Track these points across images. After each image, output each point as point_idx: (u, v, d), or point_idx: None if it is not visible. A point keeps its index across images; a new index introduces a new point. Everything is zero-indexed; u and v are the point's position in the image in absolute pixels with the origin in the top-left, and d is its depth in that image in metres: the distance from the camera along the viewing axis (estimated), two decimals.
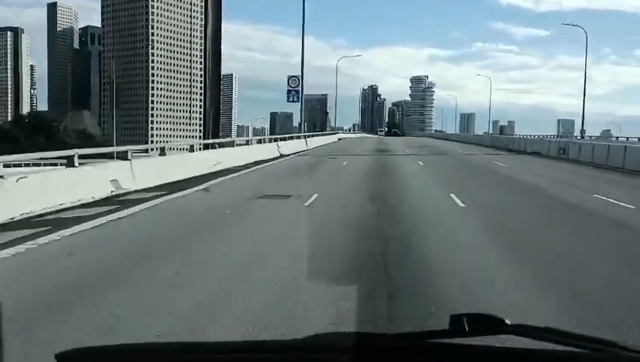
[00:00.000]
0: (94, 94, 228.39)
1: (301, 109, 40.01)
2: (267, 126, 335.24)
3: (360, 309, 4.77)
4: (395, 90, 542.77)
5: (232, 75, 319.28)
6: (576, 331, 1.24)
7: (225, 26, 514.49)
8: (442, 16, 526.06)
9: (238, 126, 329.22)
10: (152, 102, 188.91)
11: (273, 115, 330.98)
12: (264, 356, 1.28)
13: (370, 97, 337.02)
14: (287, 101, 39.59)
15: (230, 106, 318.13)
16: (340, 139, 63.86)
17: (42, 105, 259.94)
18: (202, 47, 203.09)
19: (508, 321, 1.20)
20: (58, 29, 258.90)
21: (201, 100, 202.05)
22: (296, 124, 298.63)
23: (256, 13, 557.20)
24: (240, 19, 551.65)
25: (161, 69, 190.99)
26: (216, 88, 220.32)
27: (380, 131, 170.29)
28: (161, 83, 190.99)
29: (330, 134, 63.93)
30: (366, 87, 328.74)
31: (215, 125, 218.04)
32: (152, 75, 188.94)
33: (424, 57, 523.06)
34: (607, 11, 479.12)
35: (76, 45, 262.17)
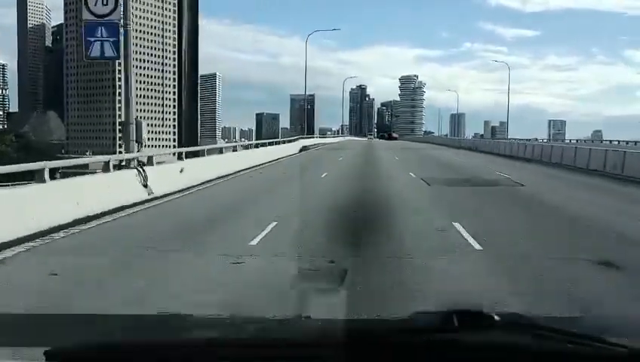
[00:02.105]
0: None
1: (125, 82, 14.38)
2: (254, 127, 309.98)
3: None
4: (383, 90, 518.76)
5: (215, 74, 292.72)
6: (562, 327, 1.24)
7: (211, 26, 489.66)
8: (431, 16, 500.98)
9: (223, 128, 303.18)
10: (120, 102, 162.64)
11: (259, 116, 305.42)
12: (257, 350, 1.24)
13: (359, 97, 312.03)
14: (87, 57, 14.87)
15: (214, 107, 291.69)
16: (303, 150, 38.65)
17: (14, 106, 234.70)
18: (176, 46, 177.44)
19: (497, 317, 1.19)
20: (29, 25, 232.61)
21: (175, 103, 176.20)
22: (284, 124, 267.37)
23: (243, 12, 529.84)
24: (227, 19, 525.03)
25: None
26: (192, 90, 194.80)
27: (370, 135, 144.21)
28: None
29: (286, 142, 38.87)
30: (354, 87, 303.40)
31: (193, 129, 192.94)
32: (119, 72, 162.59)
33: (413, 57, 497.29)
34: (595, 11, 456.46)
35: (49, 43, 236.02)
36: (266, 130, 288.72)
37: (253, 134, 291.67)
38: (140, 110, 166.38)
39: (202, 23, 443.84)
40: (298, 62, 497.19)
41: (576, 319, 3.31)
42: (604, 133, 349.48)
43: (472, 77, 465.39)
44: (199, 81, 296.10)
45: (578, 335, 1.21)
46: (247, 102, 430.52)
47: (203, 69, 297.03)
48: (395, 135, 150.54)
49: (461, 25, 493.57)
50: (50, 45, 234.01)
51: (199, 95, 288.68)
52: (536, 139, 73.78)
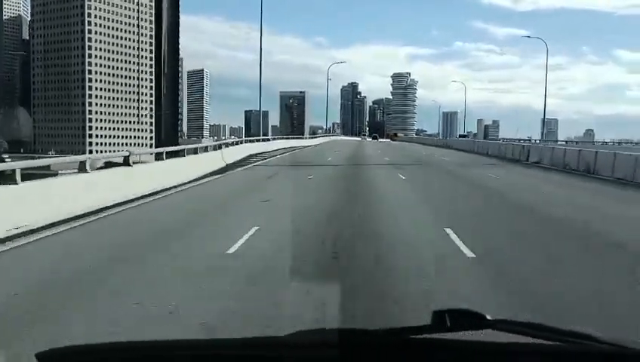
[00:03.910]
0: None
1: None
2: (243, 125, 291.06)
3: None
4: (375, 88, 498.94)
5: (202, 70, 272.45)
6: (553, 325, 1.20)
7: (201, 23, 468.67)
8: (422, 15, 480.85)
9: (210, 125, 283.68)
10: (90, 96, 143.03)
11: (248, 114, 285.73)
12: (251, 353, 1.20)
13: (351, 95, 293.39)
14: None
15: (201, 104, 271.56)
16: (237, 165, 19.92)
17: None
18: (152, 41, 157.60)
19: (489, 317, 1.16)
20: (4, 17, 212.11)
21: (152, 102, 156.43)
22: (274, 122, 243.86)
23: (234, 10, 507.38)
24: (217, 16, 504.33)
25: (100, 65, 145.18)
26: (172, 87, 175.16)
27: (364, 134, 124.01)
28: (100, 74, 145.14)
29: (226, 145, 20.29)
30: (346, 85, 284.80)
31: (172, 128, 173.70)
32: (89, 65, 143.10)
33: (405, 56, 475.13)
34: (585, 10, 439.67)
35: (26, 36, 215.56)
36: (255, 127, 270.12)
37: (242, 132, 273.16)
38: (111, 105, 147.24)
39: (192, 19, 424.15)
40: (290, 60, 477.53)
41: (567, 320, 3.59)
42: (595, 133, 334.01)
43: (463, 75, 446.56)
44: (186, 77, 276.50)
45: (569, 334, 1.17)
46: (237, 99, 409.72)
47: (191, 65, 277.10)
48: (400, 134, 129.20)
49: (452, 23, 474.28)
50: (28, 38, 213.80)
51: (185, 91, 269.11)
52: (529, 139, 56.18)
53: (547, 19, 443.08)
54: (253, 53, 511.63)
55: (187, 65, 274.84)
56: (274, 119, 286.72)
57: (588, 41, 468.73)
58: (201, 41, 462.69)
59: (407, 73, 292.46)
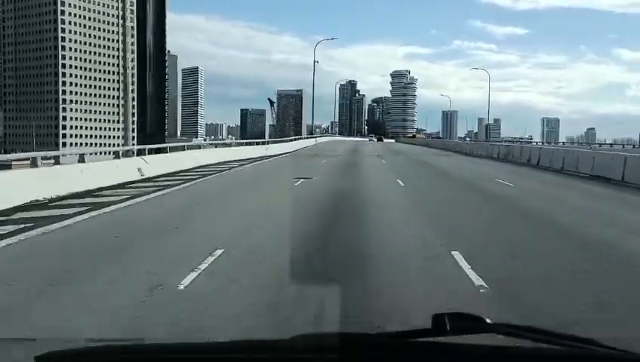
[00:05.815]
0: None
1: None
2: (239, 124, 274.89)
3: None
4: (374, 87, 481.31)
5: (197, 68, 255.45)
6: (554, 329, 1.17)
7: (200, 22, 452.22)
8: (420, 14, 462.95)
9: (207, 124, 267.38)
10: (65, 93, 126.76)
11: (244, 113, 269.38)
12: (251, 356, 1.18)
13: (349, 94, 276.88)
14: None
15: (196, 103, 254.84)
16: None
17: None
18: (135, 33, 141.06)
19: (488, 320, 1.13)
20: None
21: (134, 98, 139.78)
22: (270, 121, 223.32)
23: (233, 9, 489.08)
24: (216, 15, 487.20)
25: (76, 58, 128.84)
26: (159, 85, 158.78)
27: (371, 136, 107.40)
28: (76, 69, 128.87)
29: None
30: (344, 82, 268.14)
31: (159, 128, 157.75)
32: (64, 58, 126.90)
33: (403, 55, 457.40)
34: (585, 9, 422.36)
35: None
36: (250, 127, 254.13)
37: (238, 132, 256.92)
38: (91, 102, 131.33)
39: (189, 19, 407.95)
40: (288, 59, 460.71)
41: (569, 325, 3.54)
42: (596, 132, 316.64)
43: (463, 75, 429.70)
44: (180, 76, 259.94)
45: (569, 338, 1.13)
46: (236, 98, 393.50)
47: (187, 64, 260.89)
48: (419, 135, 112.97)
49: (451, 23, 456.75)
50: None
51: (180, 90, 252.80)
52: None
53: (547, 19, 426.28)
54: (251, 53, 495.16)
55: (186, 64, 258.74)
56: (271, 118, 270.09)
57: (587, 40, 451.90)
58: (200, 40, 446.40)
59: (406, 71, 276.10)
